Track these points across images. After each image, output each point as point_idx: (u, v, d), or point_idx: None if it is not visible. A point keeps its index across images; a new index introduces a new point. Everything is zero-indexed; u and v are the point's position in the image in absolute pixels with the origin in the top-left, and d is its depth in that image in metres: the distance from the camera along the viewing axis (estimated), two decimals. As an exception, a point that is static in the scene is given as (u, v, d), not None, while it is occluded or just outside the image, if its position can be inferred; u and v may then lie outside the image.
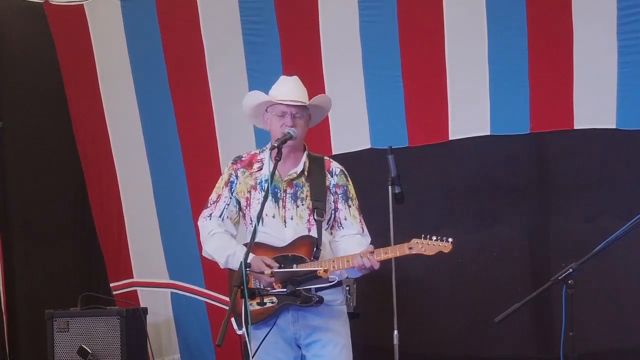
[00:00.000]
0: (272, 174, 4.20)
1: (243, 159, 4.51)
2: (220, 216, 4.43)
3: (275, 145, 4.24)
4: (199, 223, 4.50)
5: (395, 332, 5.27)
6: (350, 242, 4.28)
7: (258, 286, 4.24)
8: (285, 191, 4.34)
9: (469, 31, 5.97)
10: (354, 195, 4.41)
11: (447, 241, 4.05)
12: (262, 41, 6.47)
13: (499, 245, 6.08)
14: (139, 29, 6.79)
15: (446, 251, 4.05)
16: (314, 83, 6.04)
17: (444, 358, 6.20)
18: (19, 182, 6.93)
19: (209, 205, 4.48)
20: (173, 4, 6.71)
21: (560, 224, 6.01)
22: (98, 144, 6.99)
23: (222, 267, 4.42)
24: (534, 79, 5.87)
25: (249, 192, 4.39)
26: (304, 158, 4.38)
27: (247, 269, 3.89)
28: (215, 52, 6.59)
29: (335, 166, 4.43)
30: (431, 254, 4.07)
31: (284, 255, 4.25)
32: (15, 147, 6.89)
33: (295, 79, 4.48)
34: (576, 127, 5.80)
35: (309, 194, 4.32)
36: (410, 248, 4.08)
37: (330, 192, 4.35)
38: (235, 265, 4.26)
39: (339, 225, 4.36)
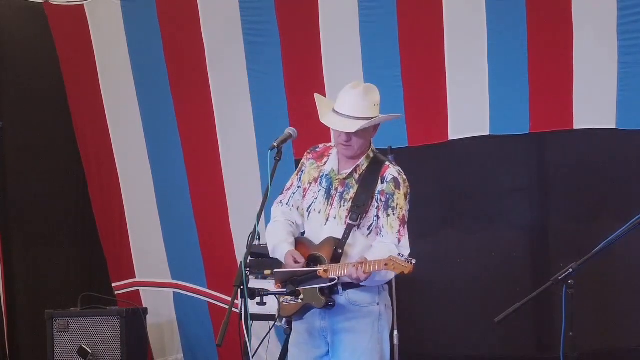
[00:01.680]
0: (272, 174, 4.20)
1: (317, 150, 4.47)
2: (287, 204, 4.43)
3: (275, 145, 4.23)
4: (272, 207, 4.49)
5: (395, 332, 5.28)
6: (376, 248, 4.21)
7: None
8: (336, 189, 4.31)
9: (469, 31, 5.97)
10: (400, 204, 4.24)
11: (410, 262, 4.00)
12: (262, 41, 6.47)
13: (499, 245, 6.08)
14: (139, 28, 6.80)
15: (406, 272, 3.98)
16: (314, 83, 6.05)
17: (444, 358, 6.21)
18: (19, 181, 6.94)
19: (283, 191, 4.47)
20: (173, 4, 6.72)
21: (560, 224, 6.01)
22: (99, 144, 7.00)
23: (270, 255, 4.40)
24: (534, 79, 5.86)
25: (310, 183, 4.38)
26: (361, 160, 4.32)
27: (249, 269, 3.90)
28: (216, 51, 6.59)
29: (390, 173, 4.28)
30: (397, 272, 4.03)
31: (314, 254, 4.24)
32: (15, 147, 6.90)
33: (356, 94, 4.23)
34: (576, 127, 5.80)
35: (353, 196, 4.30)
36: (385, 264, 4.04)
37: (376, 199, 4.27)
38: (278, 255, 4.29)
39: (379, 232, 4.29)
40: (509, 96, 5.93)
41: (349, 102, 4.22)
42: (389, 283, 5.08)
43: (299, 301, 4.21)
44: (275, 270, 4.22)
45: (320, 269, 4.10)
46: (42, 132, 7.03)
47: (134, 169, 6.92)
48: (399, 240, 4.23)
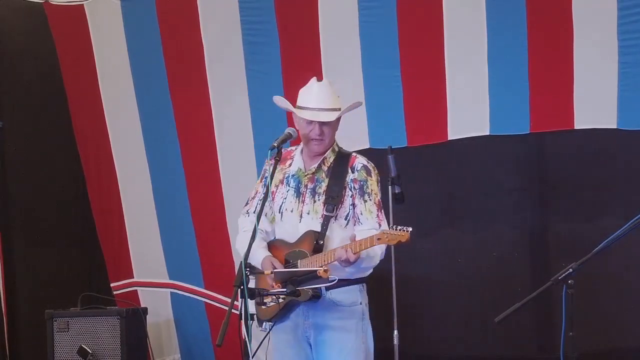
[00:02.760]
0: (272, 174, 4.21)
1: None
2: (255, 212, 4.45)
3: (275, 145, 4.24)
4: (238, 220, 4.53)
5: (395, 332, 5.27)
6: (361, 236, 4.25)
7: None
8: (306, 186, 4.35)
9: (469, 31, 5.96)
10: (374, 190, 4.35)
11: (407, 230, 4.02)
12: (262, 41, 6.46)
13: (499, 245, 6.08)
14: (139, 29, 6.79)
15: (403, 240, 4.01)
16: (314, 83, 6.05)
17: (444, 358, 6.20)
18: (19, 181, 6.93)
19: (247, 202, 4.52)
20: (173, 4, 6.71)
21: (560, 224, 6.00)
22: (98, 144, 6.99)
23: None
24: (534, 79, 5.86)
25: (277, 186, 4.41)
26: (327, 154, 4.37)
27: (249, 270, 3.91)
28: (215, 52, 6.59)
29: (359, 162, 4.39)
30: (393, 243, 4.06)
31: (292, 251, 4.26)
32: (16, 146, 6.90)
33: (324, 85, 4.42)
34: (577, 127, 5.79)
35: (326, 188, 4.31)
36: (378, 239, 4.07)
37: (349, 188, 4.33)
38: (254, 262, 4.28)
39: (358, 220, 4.33)
40: (509, 96, 5.92)
41: (318, 95, 4.35)
42: (389, 282, 5.10)
43: (280, 301, 4.20)
44: (275, 270, 4.22)
45: (320, 269, 4.11)
46: (42, 132, 7.02)
47: (133, 170, 6.91)
48: (379, 225, 4.32)
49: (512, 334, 5.83)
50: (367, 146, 6.17)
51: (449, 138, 6.05)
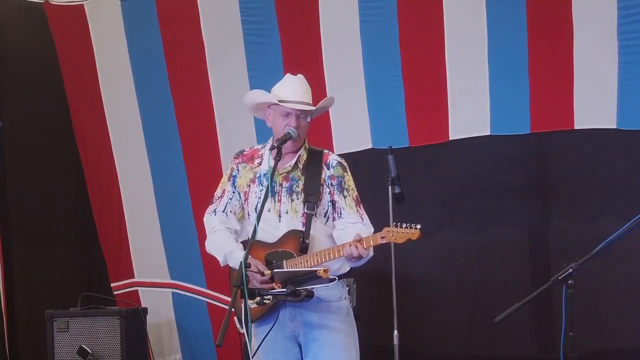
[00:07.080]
0: (272, 174, 4.20)
1: (245, 153, 4.53)
2: (223, 211, 4.45)
3: (275, 145, 4.24)
4: (204, 219, 4.52)
5: (395, 332, 5.28)
6: (351, 230, 4.23)
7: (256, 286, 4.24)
8: (281, 185, 4.34)
9: (469, 31, 5.97)
10: (351, 186, 4.36)
11: (416, 228, 4.01)
12: (263, 41, 6.47)
13: (500, 245, 6.08)
14: (139, 29, 6.79)
15: (414, 238, 4.00)
16: (315, 83, 5.99)
17: (444, 358, 6.21)
18: (19, 181, 6.93)
19: (214, 200, 4.50)
20: (173, 4, 6.72)
21: (560, 224, 6.01)
22: (98, 144, 6.99)
23: (221, 264, 4.43)
24: (534, 79, 5.87)
25: (248, 185, 4.41)
26: (301, 152, 4.38)
27: (247, 269, 3.91)
28: (216, 52, 6.59)
29: (333, 158, 4.40)
30: (401, 242, 4.04)
31: (275, 252, 4.25)
32: (15, 146, 6.90)
33: (300, 78, 4.45)
34: (577, 127, 5.80)
35: (304, 187, 4.32)
36: (382, 237, 4.06)
37: (326, 185, 4.34)
38: (232, 263, 4.29)
39: (339, 215, 4.33)
40: (509, 96, 5.94)
41: (299, 90, 4.39)
42: (389, 282, 5.11)
43: (265, 302, 4.18)
44: (275, 270, 4.21)
45: (320, 269, 4.10)
46: (42, 132, 7.02)
47: (133, 169, 6.91)
48: (362, 219, 4.33)
49: (512, 334, 5.83)
50: (369, 146, 6.18)
51: (450, 138, 6.06)
